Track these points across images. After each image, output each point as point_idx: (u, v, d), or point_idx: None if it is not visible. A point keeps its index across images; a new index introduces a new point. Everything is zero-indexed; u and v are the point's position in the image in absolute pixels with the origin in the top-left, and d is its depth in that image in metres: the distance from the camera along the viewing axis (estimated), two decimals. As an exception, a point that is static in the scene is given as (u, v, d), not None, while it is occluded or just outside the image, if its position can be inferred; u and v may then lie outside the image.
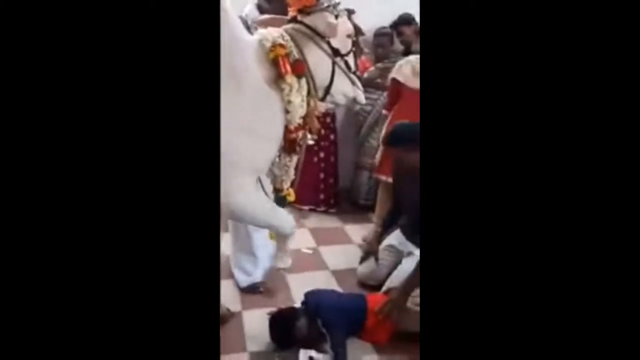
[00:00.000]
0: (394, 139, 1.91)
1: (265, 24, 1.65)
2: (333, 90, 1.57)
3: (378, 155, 2.54)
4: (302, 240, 2.57)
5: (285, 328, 1.71)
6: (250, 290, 2.08)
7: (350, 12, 1.48)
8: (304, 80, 1.50)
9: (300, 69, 1.48)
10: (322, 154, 2.92)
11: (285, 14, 1.62)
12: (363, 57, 2.82)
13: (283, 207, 1.67)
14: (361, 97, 1.66)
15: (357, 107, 1.77)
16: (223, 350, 1.44)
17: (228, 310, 1.93)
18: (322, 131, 2.85)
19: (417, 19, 2.75)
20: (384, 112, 2.55)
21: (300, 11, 1.51)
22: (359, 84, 1.63)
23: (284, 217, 1.66)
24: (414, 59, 2.38)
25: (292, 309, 1.83)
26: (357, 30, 1.53)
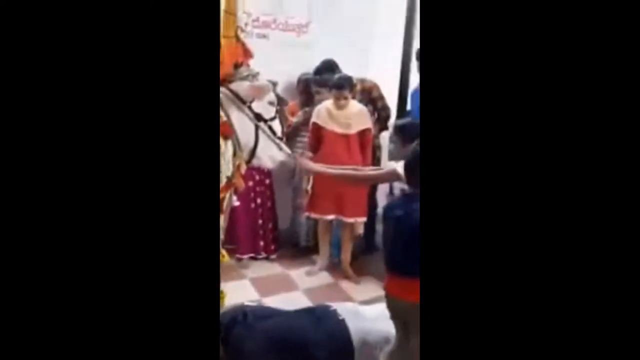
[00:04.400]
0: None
1: None
2: (259, 152, 1.64)
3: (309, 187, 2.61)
4: (243, 293, 2.51)
5: None
6: None
7: (273, 84, 1.54)
8: (229, 142, 1.56)
9: (227, 130, 1.53)
10: (259, 200, 2.90)
11: None
12: (291, 103, 2.89)
13: None
14: (289, 162, 1.72)
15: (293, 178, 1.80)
16: None
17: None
18: (257, 176, 2.87)
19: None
20: (308, 154, 2.62)
21: (223, 80, 1.55)
22: (286, 149, 1.69)
23: None
24: (329, 103, 2.52)
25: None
26: (280, 100, 1.60)
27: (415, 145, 1.50)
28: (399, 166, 1.72)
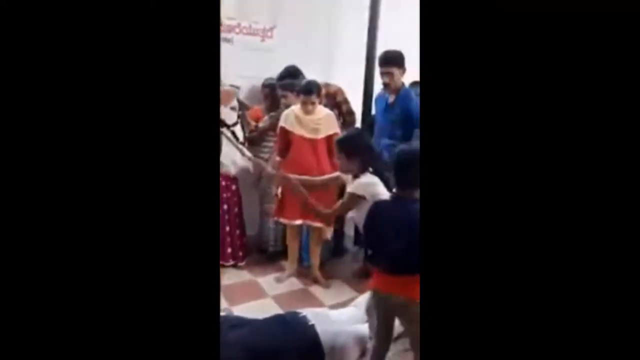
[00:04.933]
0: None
1: None
2: (222, 158, 1.61)
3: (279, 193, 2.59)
4: (213, 301, 2.46)
5: None
6: None
7: (236, 88, 1.51)
8: None
9: None
10: (225, 206, 2.85)
11: None
12: (254, 107, 2.87)
13: None
14: (253, 168, 1.70)
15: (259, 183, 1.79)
16: None
17: None
18: (223, 183, 2.82)
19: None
20: (277, 158, 2.60)
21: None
22: (248, 154, 1.67)
23: None
24: (297, 108, 2.51)
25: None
26: (242, 105, 1.57)
27: (399, 150, 1.54)
28: (351, 187, 1.82)
